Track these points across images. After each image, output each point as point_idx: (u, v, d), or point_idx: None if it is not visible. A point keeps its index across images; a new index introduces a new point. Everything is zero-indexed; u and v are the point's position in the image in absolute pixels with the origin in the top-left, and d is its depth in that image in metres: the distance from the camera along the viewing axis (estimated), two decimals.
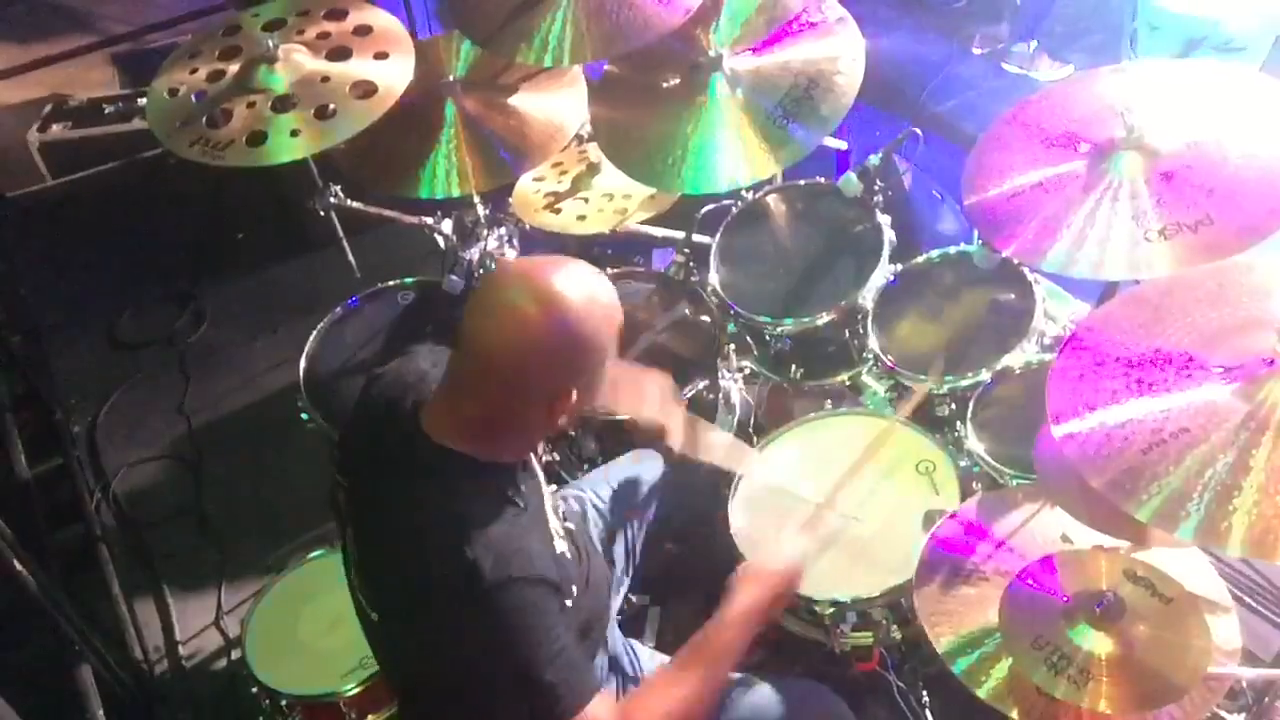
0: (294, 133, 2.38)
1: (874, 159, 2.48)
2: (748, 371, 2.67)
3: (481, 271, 2.76)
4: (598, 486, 2.16)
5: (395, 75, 2.47)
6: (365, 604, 1.67)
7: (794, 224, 2.64)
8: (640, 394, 2.04)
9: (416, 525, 1.53)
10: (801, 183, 2.68)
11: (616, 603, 2.10)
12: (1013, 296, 2.36)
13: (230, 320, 3.69)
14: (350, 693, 2.14)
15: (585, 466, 2.44)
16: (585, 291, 1.50)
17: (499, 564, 1.47)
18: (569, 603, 1.63)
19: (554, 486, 1.93)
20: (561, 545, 1.69)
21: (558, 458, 2.48)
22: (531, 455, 1.73)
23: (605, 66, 2.61)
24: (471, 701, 1.53)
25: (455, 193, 2.55)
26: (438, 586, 1.48)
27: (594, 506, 2.13)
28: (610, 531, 2.12)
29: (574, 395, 1.53)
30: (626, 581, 2.16)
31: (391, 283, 2.75)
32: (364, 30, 2.58)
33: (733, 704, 1.85)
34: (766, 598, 1.73)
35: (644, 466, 2.22)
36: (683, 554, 2.33)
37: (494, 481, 1.57)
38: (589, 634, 1.77)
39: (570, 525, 1.84)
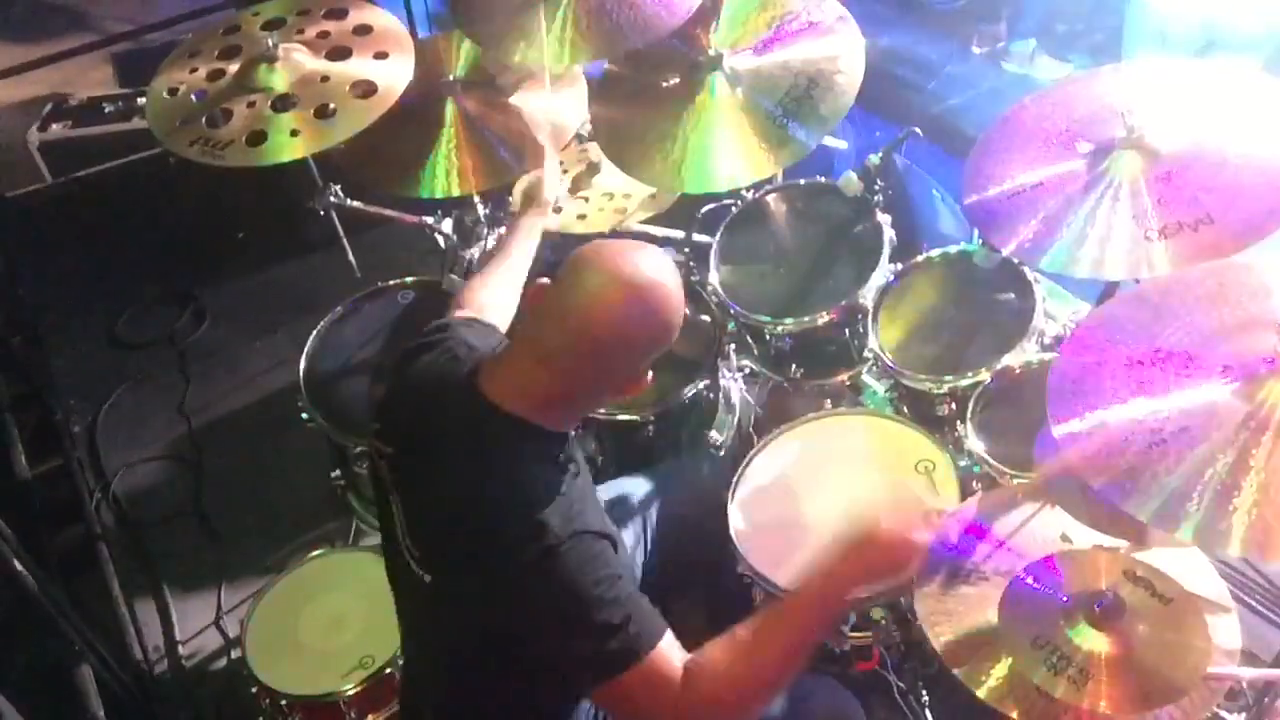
0: (294, 132, 2.38)
1: (874, 159, 2.48)
2: (748, 371, 2.67)
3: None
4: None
5: (395, 75, 2.47)
6: (416, 567, 1.66)
7: (794, 224, 2.64)
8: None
9: (482, 486, 1.57)
10: (801, 182, 2.67)
11: None
12: (1013, 296, 2.36)
13: (230, 320, 3.69)
14: (350, 693, 2.14)
15: None
16: (671, 278, 1.59)
17: (565, 520, 1.52)
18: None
19: None
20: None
21: None
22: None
23: (605, 66, 2.62)
24: (539, 650, 1.55)
25: (455, 193, 2.55)
26: (507, 543, 1.52)
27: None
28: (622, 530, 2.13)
29: (649, 376, 1.63)
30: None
31: (391, 282, 2.75)
32: (364, 30, 2.58)
33: None
34: (859, 572, 1.58)
35: (630, 485, 2.23)
36: (683, 553, 2.33)
37: (553, 447, 1.63)
38: None
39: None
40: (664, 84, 2.49)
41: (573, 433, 1.72)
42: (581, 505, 1.59)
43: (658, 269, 1.58)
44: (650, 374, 1.66)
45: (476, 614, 1.61)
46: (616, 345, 1.57)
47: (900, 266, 2.49)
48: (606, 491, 2.19)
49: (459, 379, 1.66)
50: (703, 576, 2.26)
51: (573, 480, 1.63)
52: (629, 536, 2.13)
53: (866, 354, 2.43)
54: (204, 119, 2.42)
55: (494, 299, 2.01)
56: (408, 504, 1.69)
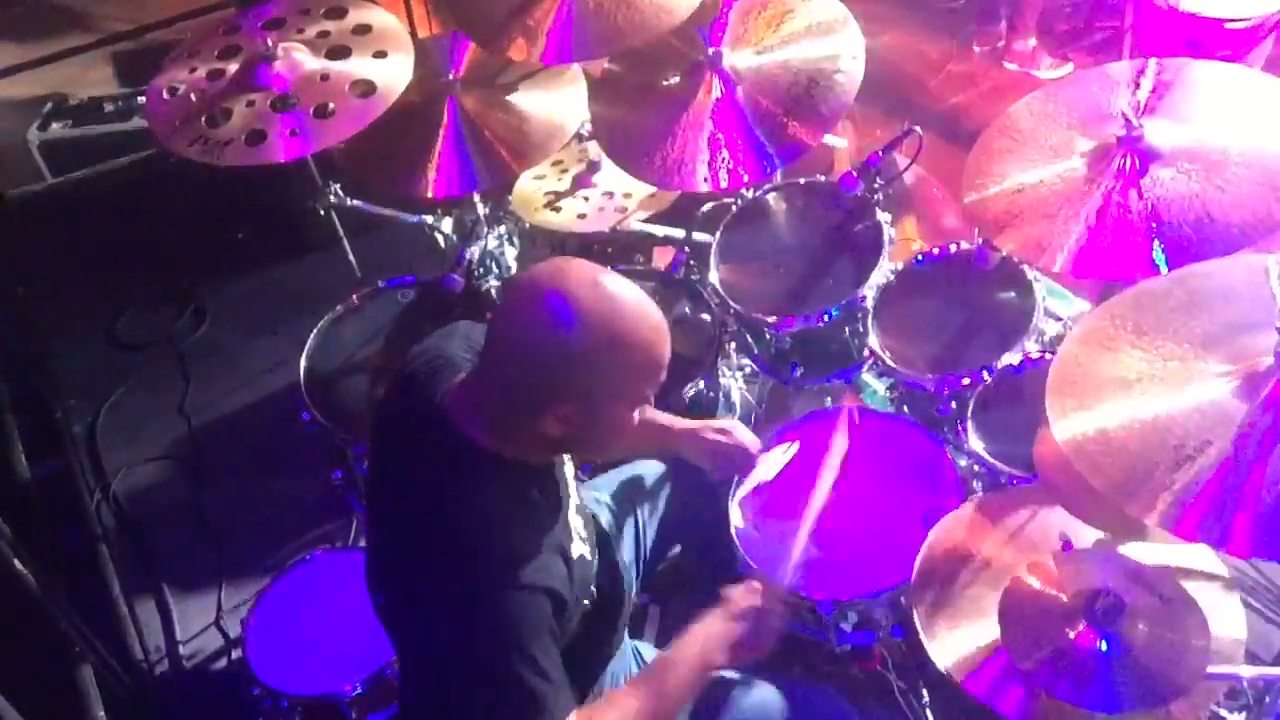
0: (293, 132, 2.38)
1: (874, 159, 2.48)
2: (748, 370, 2.67)
3: (481, 270, 2.76)
4: (598, 488, 2.16)
5: (395, 74, 2.47)
6: (373, 585, 1.65)
7: (794, 223, 2.64)
8: None
9: (433, 512, 1.52)
10: (801, 181, 2.68)
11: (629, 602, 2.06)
12: (1013, 295, 2.36)
13: (230, 320, 3.68)
14: (351, 693, 2.14)
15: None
16: (610, 312, 1.45)
17: (509, 564, 1.47)
18: (587, 602, 1.65)
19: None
20: (581, 548, 1.68)
21: None
22: (559, 458, 1.71)
23: (605, 65, 2.62)
24: (454, 695, 1.51)
25: (455, 193, 2.55)
26: (445, 575, 1.48)
27: (603, 504, 2.12)
28: (619, 529, 2.12)
29: (564, 409, 1.47)
30: (636, 582, 2.14)
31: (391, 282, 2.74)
32: (363, 29, 2.58)
33: (735, 704, 1.85)
34: (729, 641, 1.67)
35: (644, 467, 2.22)
36: (684, 552, 2.33)
37: (516, 478, 1.56)
38: (603, 637, 1.78)
39: (594, 526, 1.83)
40: (664, 84, 2.49)
41: (550, 466, 1.65)
42: (534, 549, 1.51)
43: (605, 302, 1.44)
44: (632, 416, 1.55)
45: (410, 644, 1.59)
46: (521, 359, 1.46)
47: (900, 265, 2.49)
48: (605, 489, 2.18)
49: (433, 393, 1.58)
50: (703, 575, 2.26)
51: (535, 519, 1.56)
52: (629, 534, 2.13)
53: (866, 353, 2.43)
54: (204, 119, 2.42)
55: None
56: (373, 517, 1.67)
